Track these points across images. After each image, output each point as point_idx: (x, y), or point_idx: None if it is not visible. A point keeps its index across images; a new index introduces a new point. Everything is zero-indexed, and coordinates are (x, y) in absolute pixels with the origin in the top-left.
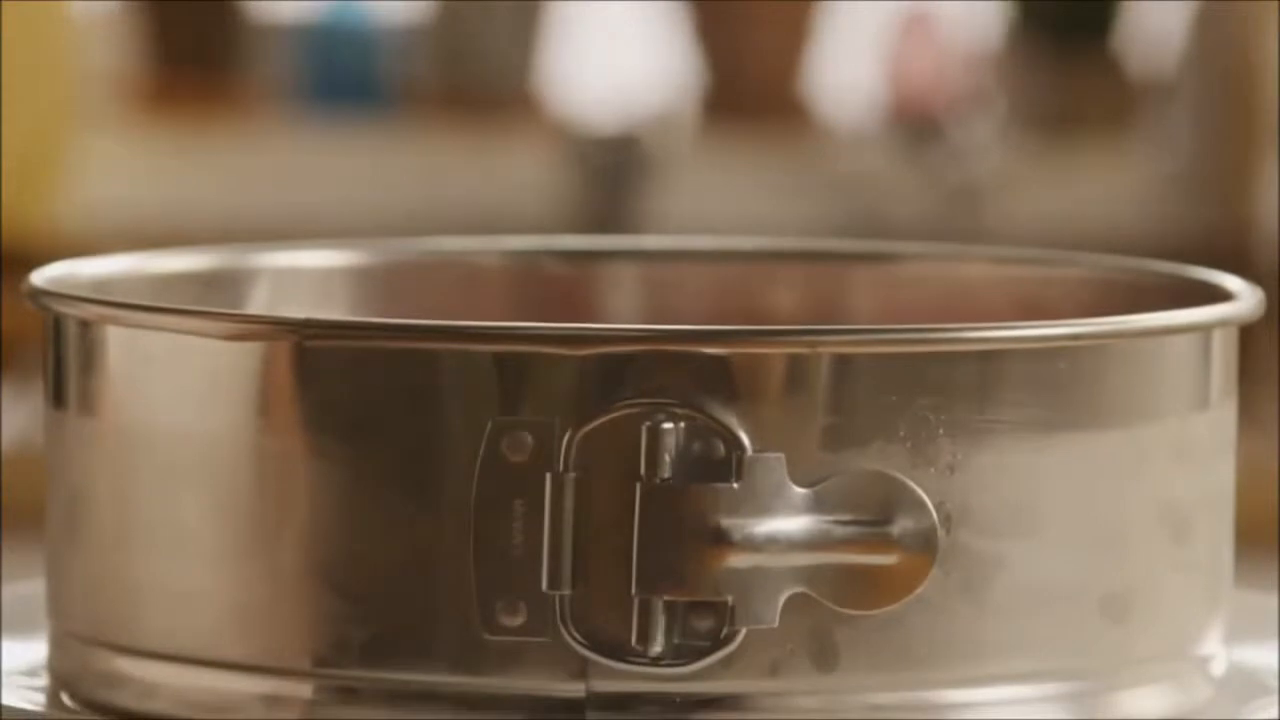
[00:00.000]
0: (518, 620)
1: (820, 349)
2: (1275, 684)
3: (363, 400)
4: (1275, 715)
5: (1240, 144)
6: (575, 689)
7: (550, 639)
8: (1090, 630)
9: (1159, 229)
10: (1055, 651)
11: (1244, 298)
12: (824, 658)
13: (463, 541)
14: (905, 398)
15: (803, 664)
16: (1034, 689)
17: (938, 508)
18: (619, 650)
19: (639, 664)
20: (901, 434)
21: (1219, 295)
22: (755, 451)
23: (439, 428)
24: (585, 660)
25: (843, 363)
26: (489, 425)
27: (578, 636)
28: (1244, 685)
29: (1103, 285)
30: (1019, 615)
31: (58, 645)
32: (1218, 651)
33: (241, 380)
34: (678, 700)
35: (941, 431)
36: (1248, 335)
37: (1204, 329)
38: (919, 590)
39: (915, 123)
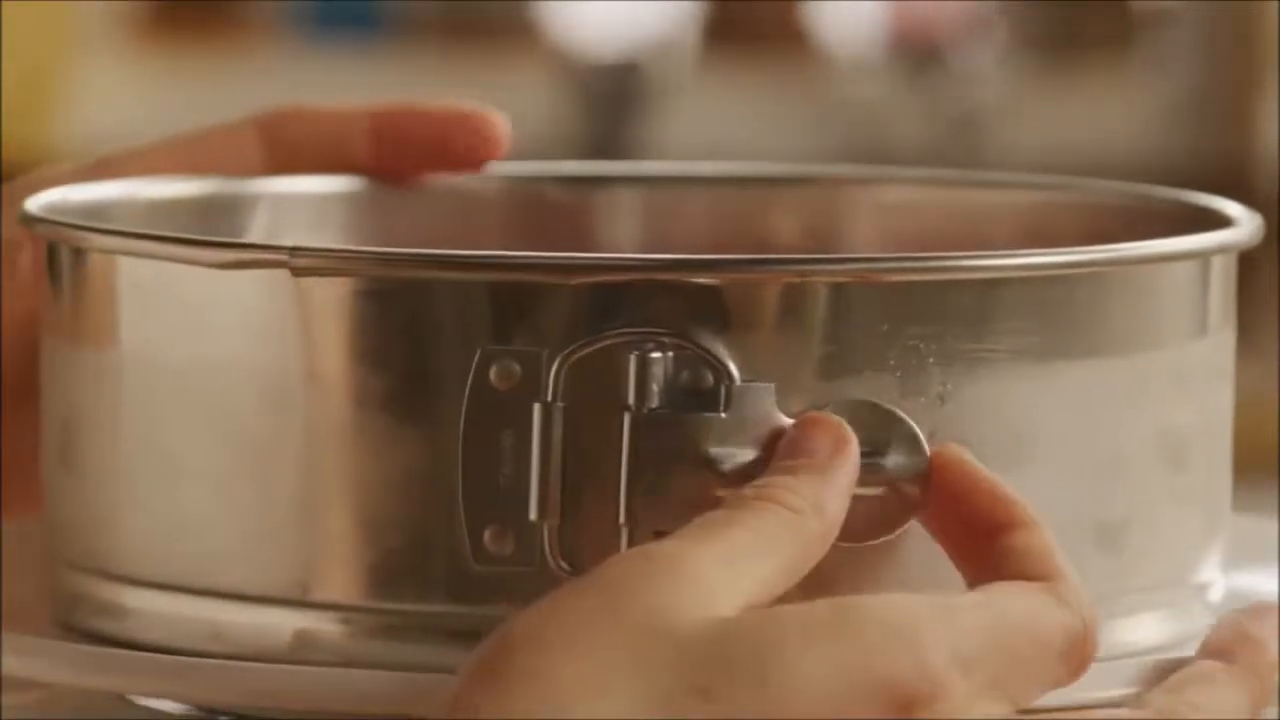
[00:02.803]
0: (506, 550)
1: (812, 279)
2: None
3: (355, 328)
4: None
5: (1242, 69)
6: None
7: (538, 569)
8: (1086, 559)
9: (1160, 155)
10: None
11: (1243, 224)
12: (816, 589)
13: (455, 471)
14: (897, 327)
15: (793, 595)
16: None
17: (929, 438)
18: None
19: None
20: (891, 363)
21: (1218, 221)
22: (745, 381)
23: (433, 356)
24: None
25: (835, 292)
26: (477, 354)
27: (566, 566)
28: None
29: (1102, 211)
30: None
31: (55, 575)
32: (1216, 578)
33: (232, 308)
34: None
35: (931, 361)
36: (1247, 261)
37: (1203, 255)
38: (911, 522)
39: (916, 50)
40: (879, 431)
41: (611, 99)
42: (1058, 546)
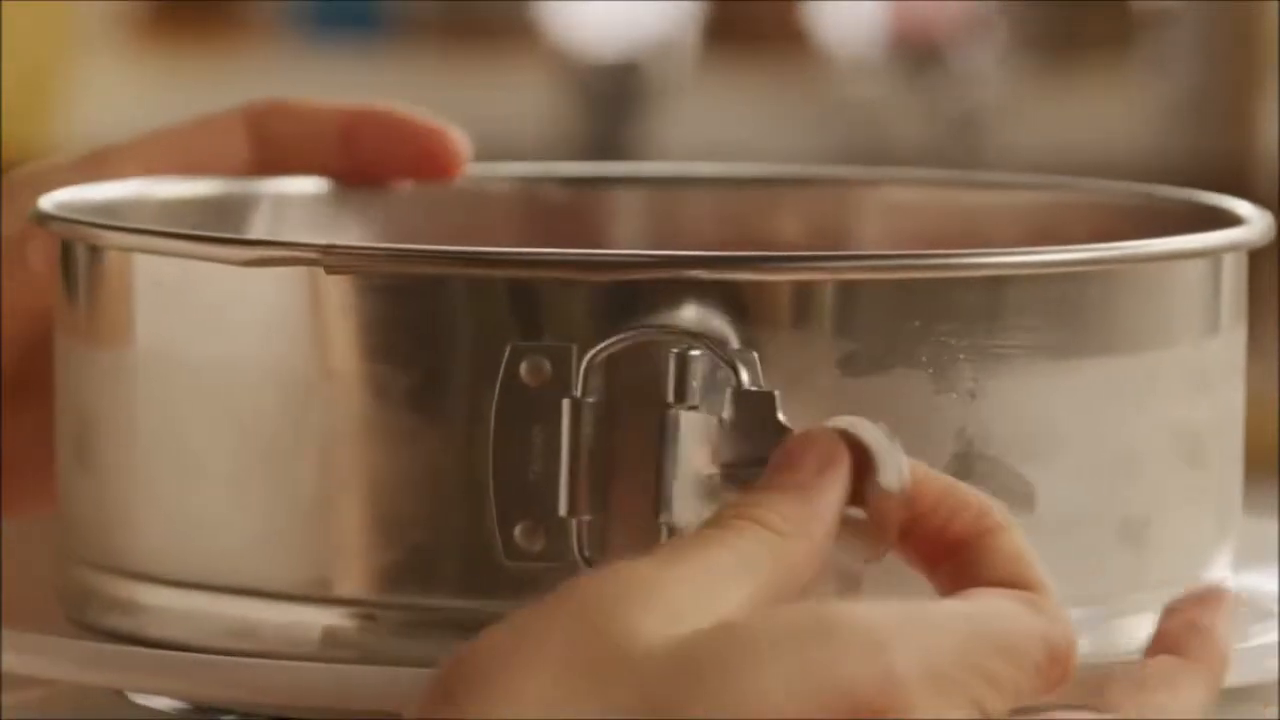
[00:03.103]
0: (537, 546)
1: (835, 275)
2: (1276, 609)
3: (379, 326)
4: (1276, 639)
5: (1242, 69)
6: None
7: (569, 565)
8: (1108, 555)
9: (1160, 155)
10: (1074, 577)
11: (1254, 222)
12: (845, 587)
13: (482, 468)
14: (925, 323)
15: (827, 592)
16: None
17: (959, 433)
18: None
19: None
20: (924, 360)
21: (1229, 220)
22: (768, 379)
23: (458, 353)
24: None
25: (854, 289)
26: (508, 350)
27: (596, 562)
28: (1247, 610)
29: (1111, 211)
30: (1041, 541)
31: (69, 572)
32: (1227, 576)
33: (253, 306)
34: None
35: (961, 357)
36: (1248, 261)
37: (1214, 253)
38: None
39: (917, 50)
40: (859, 453)
41: (611, 99)
42: (1032, 551)
